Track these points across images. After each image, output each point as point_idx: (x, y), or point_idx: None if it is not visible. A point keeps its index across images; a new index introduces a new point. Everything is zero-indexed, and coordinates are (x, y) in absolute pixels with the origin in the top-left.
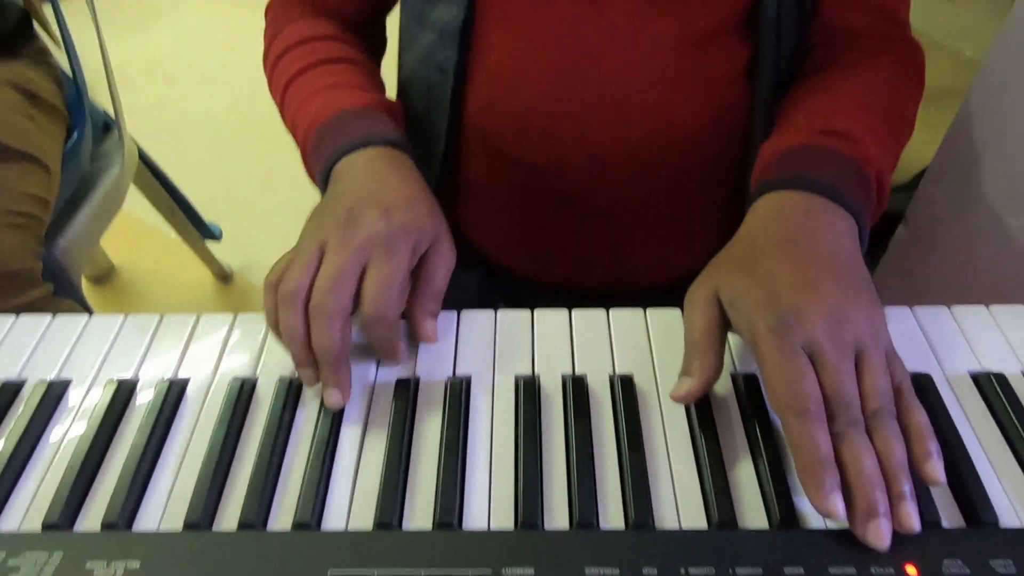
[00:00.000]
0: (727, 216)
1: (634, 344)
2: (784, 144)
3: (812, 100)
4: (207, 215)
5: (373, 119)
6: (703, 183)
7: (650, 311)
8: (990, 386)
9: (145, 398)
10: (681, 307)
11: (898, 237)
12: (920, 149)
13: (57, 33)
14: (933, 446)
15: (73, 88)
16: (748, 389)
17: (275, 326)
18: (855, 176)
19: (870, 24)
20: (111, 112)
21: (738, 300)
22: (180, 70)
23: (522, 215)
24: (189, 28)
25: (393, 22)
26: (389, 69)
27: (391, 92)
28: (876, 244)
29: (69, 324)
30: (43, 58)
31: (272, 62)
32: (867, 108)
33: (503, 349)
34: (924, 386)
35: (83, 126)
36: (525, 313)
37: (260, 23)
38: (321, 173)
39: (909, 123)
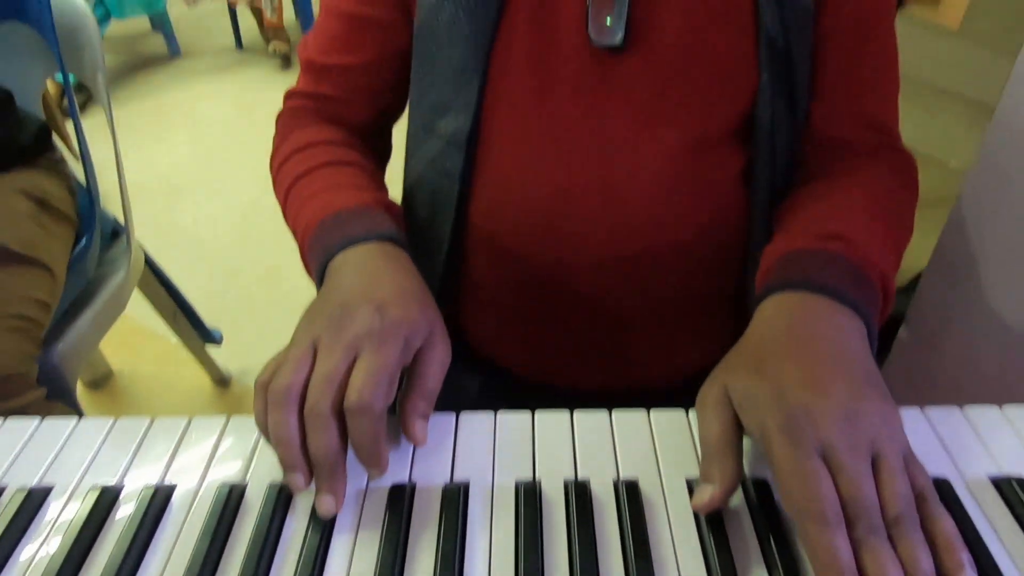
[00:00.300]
0: (729, 317)
1: (638, 447)
2: (786, 248)
3: (811, 206)
4: (208, 319)
5: (370, 217)
6: (704, 285)
7: (654, 412)
8: (1012, 492)
9: (128, 506)
10: (684, 407)
11: (901, 338)
12: (915, 253)
13: (76, 146)
14: (964, 556)
15: (86, 196)
16: (759, 495)
17: (265, 428)
18: (859, 278)
19: (862, 135)
20: (121, 219)
21: (747, 401)
22: (191, 179)
23: (524, 316)
24: (202, 141)
25: (399, 131)
26: (395, 175)
27: (396, 197)
28: (880, 347)
29: (56, 428)
30: (58, 168)
31: (278, 164)
32: (866, 212)
33: (503, 453)
34: (943, 492)
35: (92, 233)
36: (526, 415)
37: (269, 136)
38: (317, 269)
39: (908, 226)
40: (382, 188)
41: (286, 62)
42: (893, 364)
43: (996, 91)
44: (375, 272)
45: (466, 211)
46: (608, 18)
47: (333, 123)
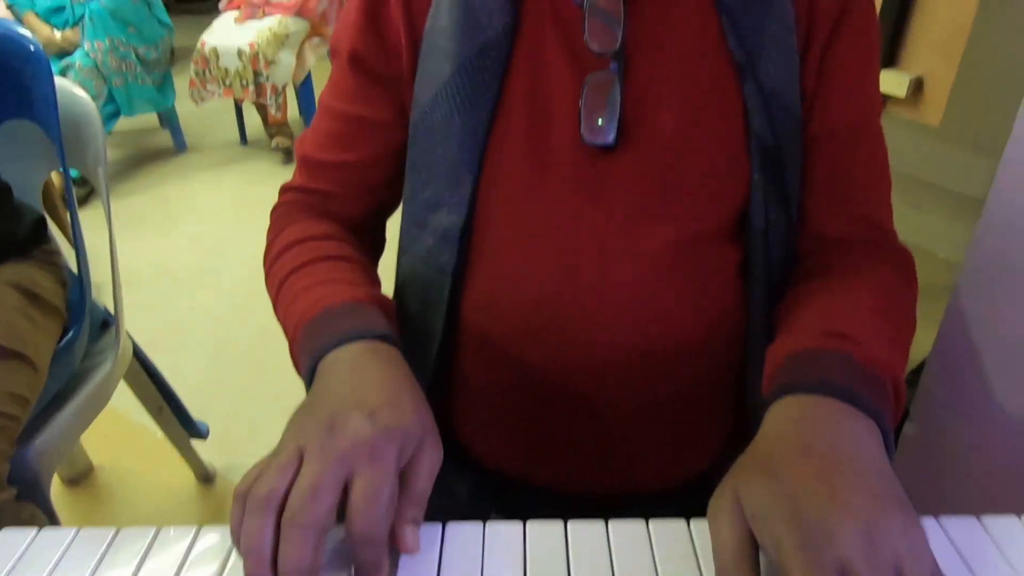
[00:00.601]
0: (729, 417)
1: (637, 560)
2: (792, 347)
3: (814, 303)
4: (196, 412)
5: (362, 314)
6: (702, 386)
7: (653, 523)
8: None
9: None
10: (684, 510)
11: (907, 434)
12: (912, 346)
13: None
14: None
15: (78, 288)
16: None
17: (238, 538)
18: (870, 380)
19: (857, 233)
20: (112, 310)
21: (761, 513)
22: (188, 270)
23: (517, 416)
24: (202, 232)
25: (393, 224)
26: (389, 266)
27: (389, 290)
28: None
29: (11, 540)
30: (51, 259)
31: (271, 259)
32: (870, 309)
33: (491, 567)
34: None
35: (80, 325)
36: (516, 526)
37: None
38: (307, 368)
39: (911, 322)
40: (375, 283)
41: (288, 156)
42: (899, 461)
43: (979, 185)
44: (366, 374)
45: (458, 307)
46: (600, 119)
47: (327, 218)
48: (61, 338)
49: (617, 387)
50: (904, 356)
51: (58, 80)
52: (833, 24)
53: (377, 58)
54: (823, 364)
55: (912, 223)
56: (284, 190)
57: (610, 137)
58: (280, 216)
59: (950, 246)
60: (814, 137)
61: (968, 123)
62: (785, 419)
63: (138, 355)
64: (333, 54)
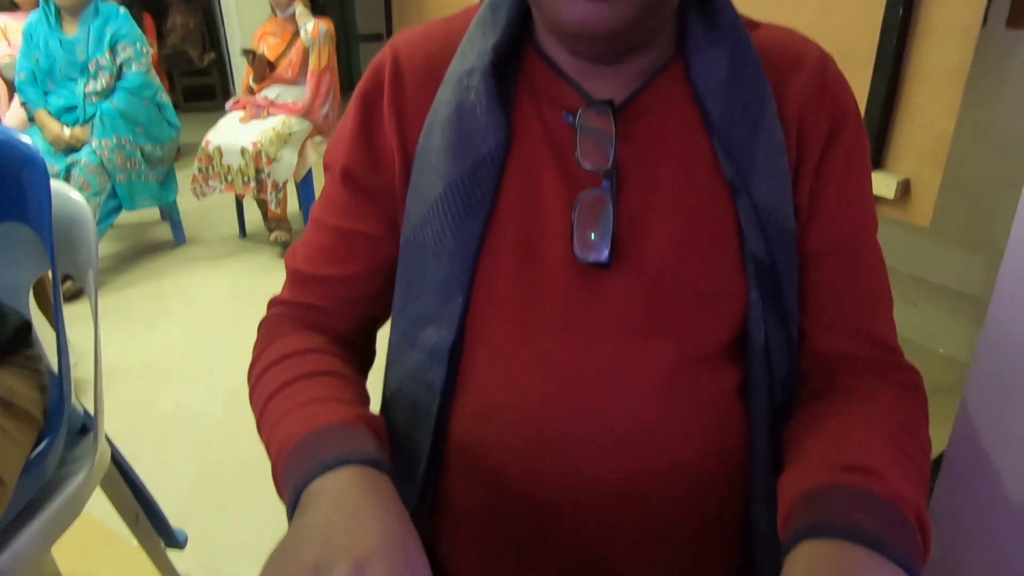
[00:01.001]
0: (732, 548)
1: None
2: (809, 483)
3: (824, 431)
4: (175, 516)
5: (350, 437)
6: (704, 513)
7: None
8: None
9: None
10: None
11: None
12: None
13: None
14: None
15: (58, 393)
16: None
17: None
18: (896, 521)
19: (861, 350)
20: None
21: None
22: (178, 364)
23: (507, 544)
24: (195, 325)
25: (383, 336)
26: (376, 384)
27: (374, 407)
28: None
29: None
30: (32, 365)
31: (257, 375)
32: (883, 437)
33: None
34: None
35: (56, 434)
36: None
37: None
38: (292, 495)
39: (926, 447)
40: (364, 399)
41: (286, 250)
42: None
43: (975, 282)
44: (355, 511)
45: (446, 426)
46: (593, 233)
47: (316, 331)
48: (36, 445)
49: (614, 515)
50: (925, 486)
51: (54, 183)
52: (824, 144)
53: (369, 174)
54: (845, 504)
55: (910, 320)
56: (273, 303)
57: (604, 254)
58: (268, 329)
59: (950, 343)
60: (810, 255)
61: (957, 222)
62: (808, 569)
63: (116, 460)
64: (326, 168)
